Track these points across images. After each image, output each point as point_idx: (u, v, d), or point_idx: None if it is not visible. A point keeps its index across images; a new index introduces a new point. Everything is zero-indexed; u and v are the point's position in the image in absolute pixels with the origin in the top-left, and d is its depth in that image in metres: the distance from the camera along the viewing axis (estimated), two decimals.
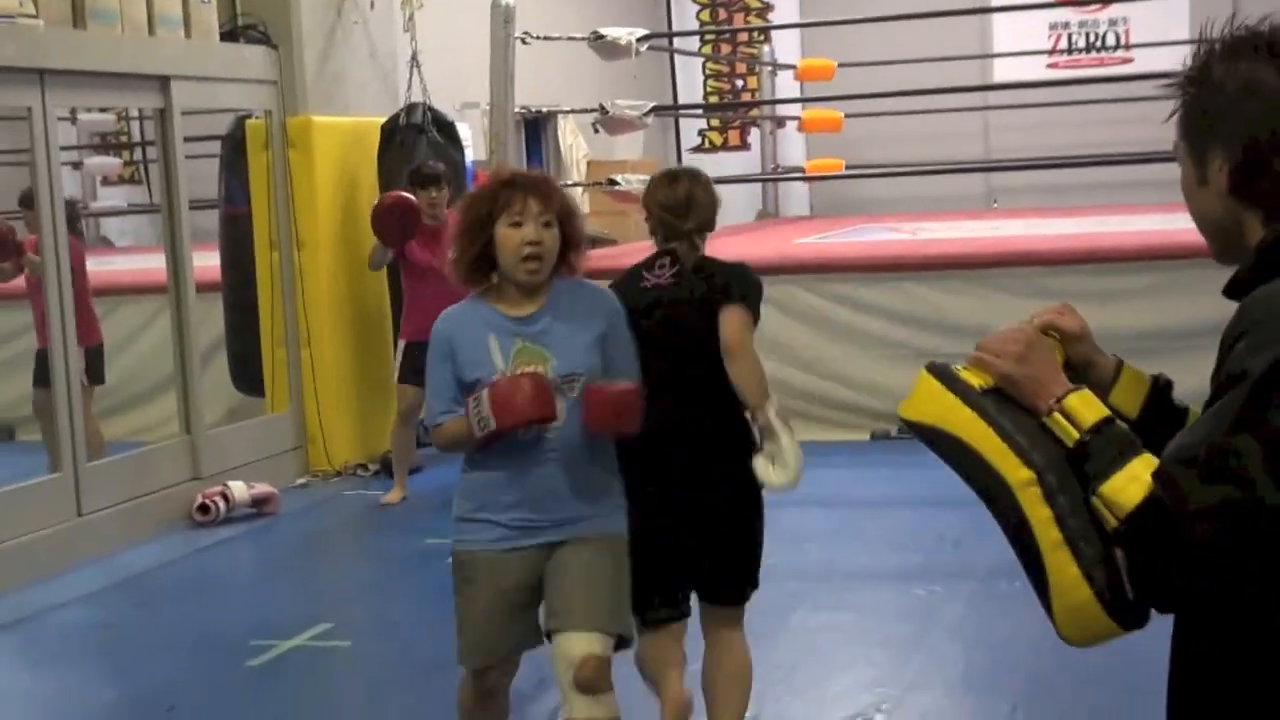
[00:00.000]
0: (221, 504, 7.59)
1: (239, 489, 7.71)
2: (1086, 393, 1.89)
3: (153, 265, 9.37)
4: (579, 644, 3.60)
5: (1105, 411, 1.87)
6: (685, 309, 3.97)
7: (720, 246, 10.87)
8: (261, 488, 7.82)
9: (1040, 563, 1.84)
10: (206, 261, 8.57)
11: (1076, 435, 1.85)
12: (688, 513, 3.95)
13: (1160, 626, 1.89)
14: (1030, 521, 1.84)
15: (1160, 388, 2.05)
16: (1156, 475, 1.77)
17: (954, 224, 12.01)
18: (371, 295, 8.89)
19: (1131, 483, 1.78)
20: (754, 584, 4.08)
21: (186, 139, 8.11)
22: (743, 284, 4.02)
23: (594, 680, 3.59)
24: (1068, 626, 1.86)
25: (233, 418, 8.96)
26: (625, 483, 3.74)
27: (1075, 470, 1.84)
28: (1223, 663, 1.82)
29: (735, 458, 3.93)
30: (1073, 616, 1.84)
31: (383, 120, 9.00)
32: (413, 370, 7.81)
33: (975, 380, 1.93)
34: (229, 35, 8.42)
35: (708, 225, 4.10)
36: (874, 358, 8.90)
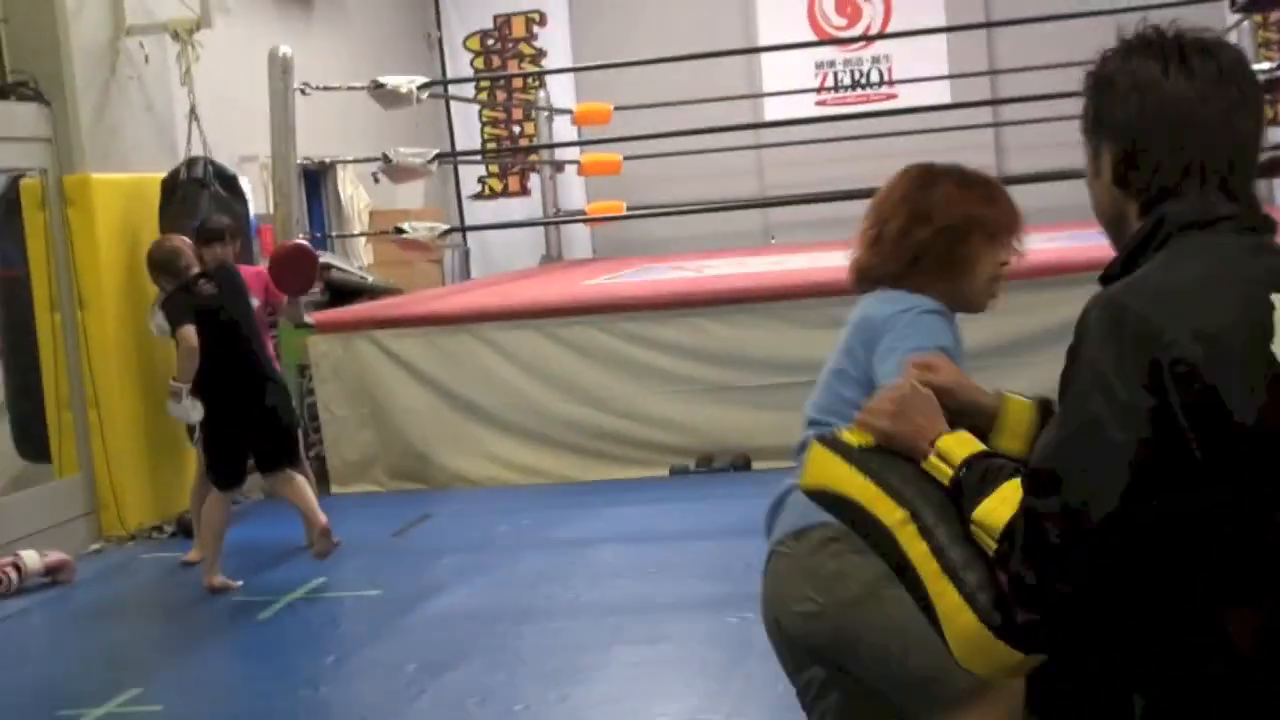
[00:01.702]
0: (14, 575, 7.35)
1: (31, 558, 7.47)
2: (961, 433, 2.00)
3: None
4: None
5: (978, 447, 1.98)
6: (227, 306, 7.15)
7: (509, 291, 10.96)
8: (55, 555, 7.59)
9: (925, 594, 1.92)
10: None
11: (950, 472, 1.95)
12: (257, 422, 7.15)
13: None
14: (910, 558, 1.93)
15: (1046, 408, 2.13)
16: (1024, 480, 1.87)
17: (736, 260, 12.24)
18: (159, 352, 8.71)
19: (1001, 504, 1.87)
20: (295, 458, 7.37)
21: None
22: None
23: None
24: (964, 655, 1.91)
25: (17, 486, 8.69)
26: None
27: (957, 509, 1.93)
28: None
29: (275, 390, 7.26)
30: (964, 644, 1.90)
31: (163, 175, 8.86)
32: None
33: (857, 440, 2.06)
34: None
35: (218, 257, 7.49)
36: (669, 394, 9.02)
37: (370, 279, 11.37)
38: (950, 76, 14.56)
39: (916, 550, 1.93)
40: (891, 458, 2.03)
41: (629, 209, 13.51)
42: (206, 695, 5.80)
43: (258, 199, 10.04)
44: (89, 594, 7.45)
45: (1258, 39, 13.57)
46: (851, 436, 2.08)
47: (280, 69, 9.50)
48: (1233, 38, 13.00)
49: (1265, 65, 10.42)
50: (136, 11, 9.01)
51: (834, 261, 11.20)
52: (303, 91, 9.71)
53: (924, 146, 13.85)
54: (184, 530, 8.17)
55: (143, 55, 9.05)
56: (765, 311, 9.06)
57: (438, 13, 15.77)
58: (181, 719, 5.55)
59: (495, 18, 15.82)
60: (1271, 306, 1.85)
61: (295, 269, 7.74)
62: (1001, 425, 2.14)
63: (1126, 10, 11.63)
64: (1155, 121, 1.94)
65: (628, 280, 11.44)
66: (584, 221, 14.94)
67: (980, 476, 1.92)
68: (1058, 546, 1.80)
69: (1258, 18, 13.12)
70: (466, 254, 15.30)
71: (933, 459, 1.98)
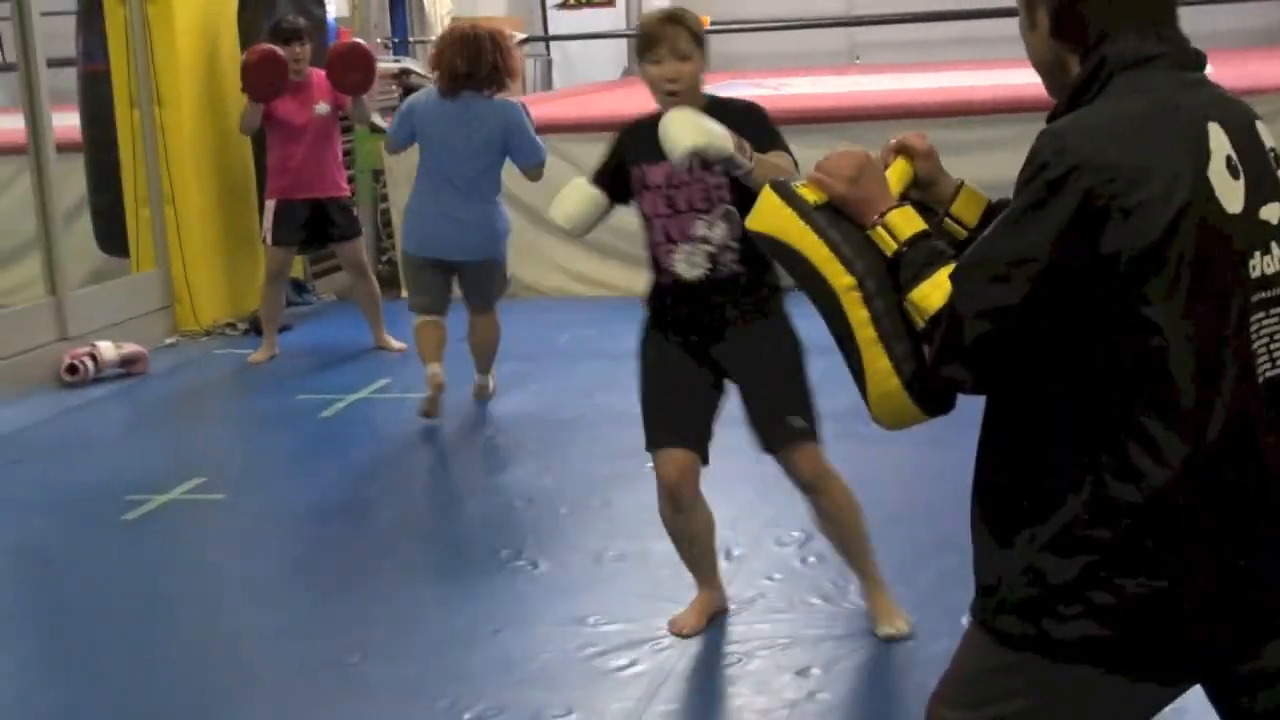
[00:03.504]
0: (90, 364, 7.59)
1: (107, 349, 7.70)
2: (908, 209, 2.11)
3: (4, 127, 9.24)
4: None
5: (922, 226, 2.10)
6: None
7: (587, 103, 10.96)
8: (130, 347, 7.81)
9: (859, 356, 2.08)
10: (63, 121, 8.45)
11: (895, 246, 2.08)
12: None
13: None
14: (850, 321, 2.08)
15: (996, 206, 2.24)
16: (951, 277, 1.99)
17: (818, 79, 12.14)
18: (235, 152, 8.83)
19: (936, 290, 2.01)
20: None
21: None
22: None
23: None
24: (880, 411, 2.11)
25: (98, 279, 8.90)
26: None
27: (894, 277, 2.07)
28: (1008, 449, 2.07)
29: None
30: (883, 402, 2.09)
31: None
32: (282, 229, 7.84)
33: (811, 196, 2.14)
34: None
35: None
36: None
37: None
38: None
39: (858, 316, 2.08)
40: (840, 219, 2.13)
41: (713, 24, 13.36)
42: (268, 487, 6.01)
43: (338, 2, 10.07)
44: (161, 386, 7.69)
45: None
46: (806, 192, 2.15)
47: None
48: None
49: None
50: None
51: (914, 84, 11.07)
52: None
53: None
54: (255, 328, 8.37)
55: None
56: (840, 131, 9.00)
57: None
58: (242, 508, 5.77)
59: None
60: (1207, 134, 1.97)
61: (350, 67, 7.80)
62: (960, 203, 2.26)
63: None
64: None
65: None
66: None
67: (923, 257, 2.05)
68: (967, 346, 1.97)
69: None
70: (549, 64, 15.27)
71: (880, 230, 2.10)
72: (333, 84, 7.84)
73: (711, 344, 4.10)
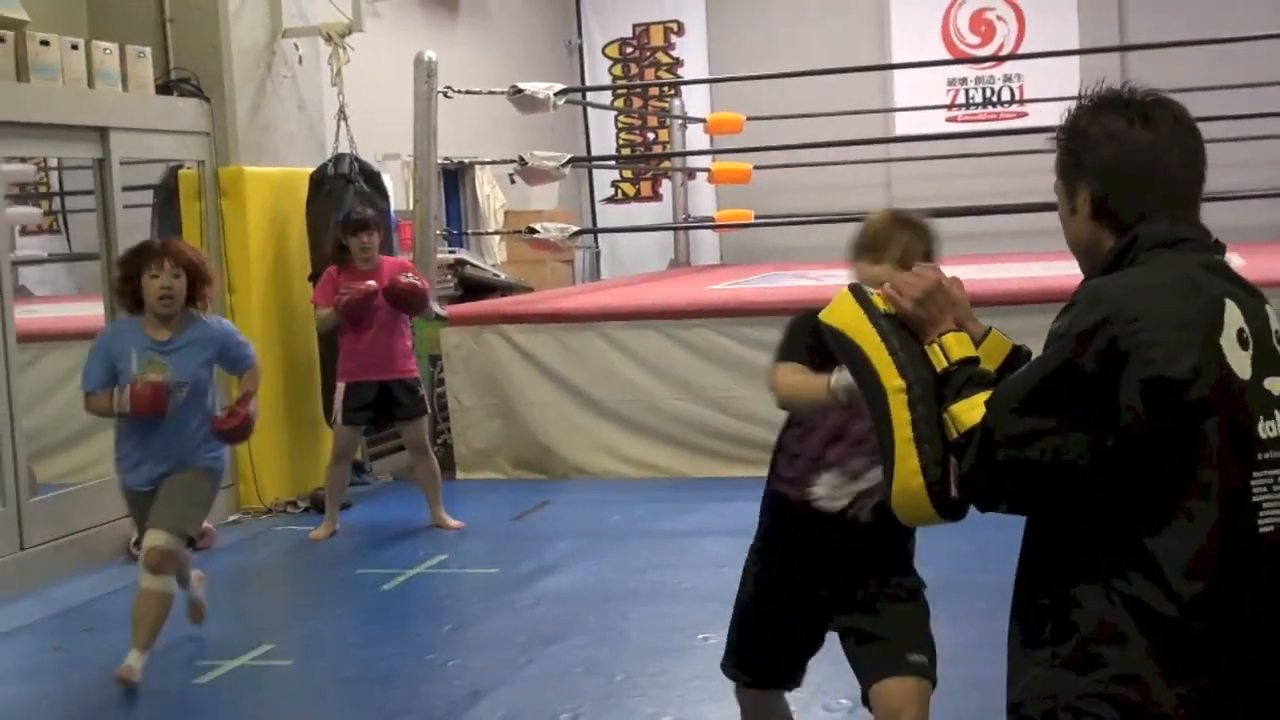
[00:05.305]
0: None
1: None
2: (963, 335, 2.46)
3: (75, 313, 9.65)
4: (151, 537, 5.71)
5: (973, 352, 2.42)
6: None
7: (635, 293, 11.32)
8: None
9: (893, 451, 2.38)
10: None
11: (946, 364, 2.40)
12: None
13: None
14: (893, 419, 2.39)
15: (1020, 353, 2.55)
16: (987, 403, 2.29)
17: None
18: (300, 337, 9.21)
19: (974, 409, 2.31)
20: None
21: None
22: None
23: (158, 564, 5.67)
24: (899, 505, 2.40)
25: None
26: None
27: (937, 392, 2.38)
28: (1042, 549, 2.36)
29: None
30: (904, 498, 2.39)
31: (311, 170, 9.35)
32: (351, 409, 8.15)
33: (881, 305, 2.50)
34: (164, 88, 8.75)
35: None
36: None
37: (502, 276, 11.82)
38: (1081, 98, 14.65)
39: (901, 416, 2.39)
40: (903, 330, 2.47)
41: (757, 217, 13.80)
42: (333, 654, 6.23)
43: (398, 196, 10.51)
44: (227, 560, 7.95)
45: None
46: (878, 300, 2.51)
47: (425, 72, 9.98)
48: None
49: None
50: (292, 15, 9.54)
51: (963, 274, 11.40)
52: (445, 94, 10.18)
53: (1052, 165, 14.07)
54: (315, 506, 8.64)
55: (297, 56, 9.58)
56: None
57: (579, 20, 16.23)
58: (310, 673, 6.00)
59: (634, 26, 16.24)
60: (1223, 308, 2.28)
61: (407, 305, 8.23)
62: (984, 349, 2.56)
63: (1257, 38, 11.61)
64: (1128, 164, 2.36)
65: (750, 286, 11.75)
66: (712, 228, 15.28)
67: (967, 378, 2.38)
68: (996, 463, 2.26)
69: None
70: (597, 255, 15.72)
71: (935, 347, 2.43)
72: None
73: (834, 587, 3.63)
